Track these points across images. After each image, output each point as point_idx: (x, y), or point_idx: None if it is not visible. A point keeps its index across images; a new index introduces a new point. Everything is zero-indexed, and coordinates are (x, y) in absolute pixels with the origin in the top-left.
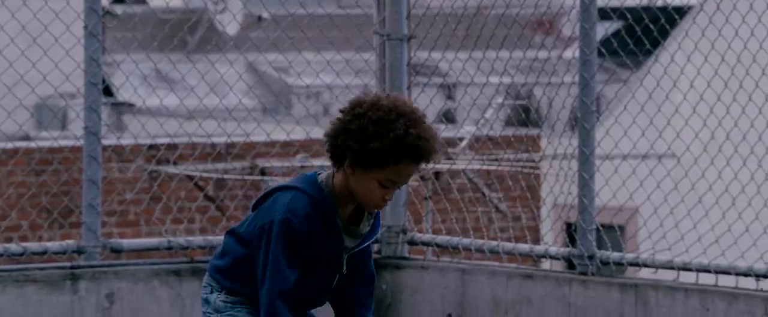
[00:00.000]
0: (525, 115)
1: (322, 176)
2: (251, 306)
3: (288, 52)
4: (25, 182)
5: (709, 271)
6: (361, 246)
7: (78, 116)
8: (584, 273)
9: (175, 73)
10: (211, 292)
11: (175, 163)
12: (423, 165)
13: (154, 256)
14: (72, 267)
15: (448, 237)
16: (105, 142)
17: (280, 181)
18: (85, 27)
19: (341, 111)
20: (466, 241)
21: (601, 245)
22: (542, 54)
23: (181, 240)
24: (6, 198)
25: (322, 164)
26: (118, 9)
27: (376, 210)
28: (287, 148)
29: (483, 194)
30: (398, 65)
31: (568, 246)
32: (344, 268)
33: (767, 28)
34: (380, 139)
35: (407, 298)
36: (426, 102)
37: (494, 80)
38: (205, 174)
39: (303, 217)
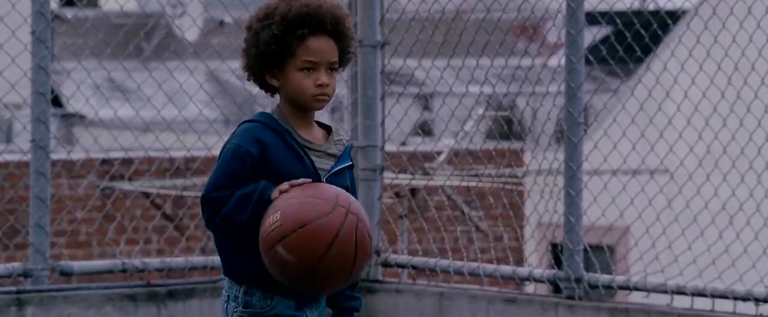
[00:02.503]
0: (507, 127)
1: (265, 111)
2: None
3: None
4: None
5: (705, 295)
6: (338, 168)
7: (25, 128)
8: (571, 297)
9: (130, 82)
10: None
11: (130, 179)
12: (338, 33)
13: (107, 280)
14: (18, 292)
15: (424, 259)
16: (54, 156)
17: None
18: (33, 32)
19: (243, 39)
20: (444, 263)
21: (589, 267)
22: (526, 62)
23: (136, 262)
24: None
25: None
26: (69, 13)
27: (323, 103)
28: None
29: (462, 212)
30: (371, 74)
31: (553, 268)
32: None
33: (766, 34)
34: (269, 27)
35: None
36: (401, 113)
37: (474, 89)
38: (162, 191)
39: (253, 139)
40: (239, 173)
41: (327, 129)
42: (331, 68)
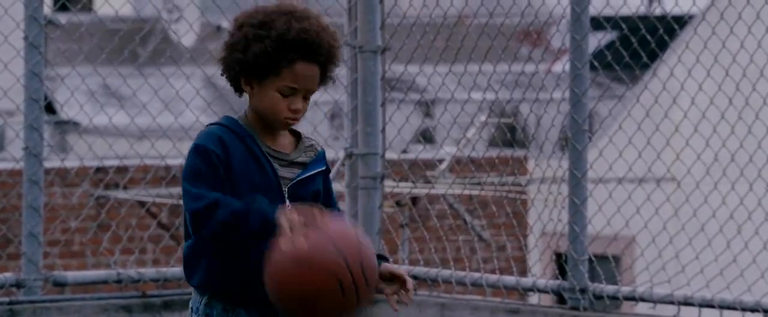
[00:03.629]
0: (510, 134)
1: (229, 115)
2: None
3: None
4: None
5: (712, 306)
6: (305, 175)
7: (17, 135)
8: (576, 308)
9: (126, 88)
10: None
11: (125, 187)
12: (328, 63)
13: (101, 290)
14: (11, 303)
15: (426, 269)
16: (47, 164)
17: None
18: (26, 38)
19: (229, 32)
20: (446, 273)
21: (594, 277)
22: (529, 68)
23: (131, 272)
24: None
25: None
26: (62, 18)
27: (289, 125)
28: None
29: (464, 221)
30: (371, 80)
31: (557, 279)
32: (287, 201)
33: None
34: (262, 40)
35: None
36: (402, 120)
37: (477, 96)
38: (158, 200)
39: (215, 139)
40: (207, 172)
41: (296, 136)
42: (307, 95)
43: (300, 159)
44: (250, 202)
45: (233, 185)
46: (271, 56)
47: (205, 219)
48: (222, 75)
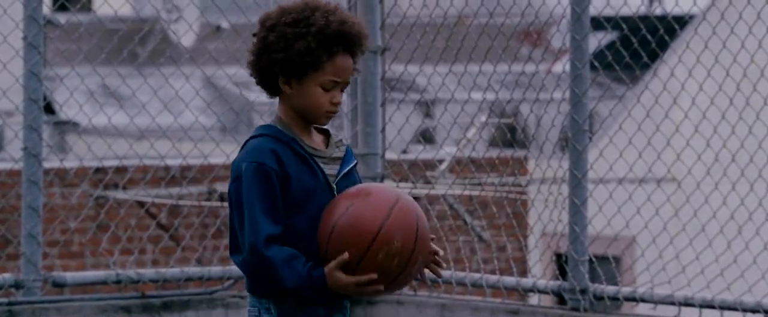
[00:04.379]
0: (510, 135)
1: (269, 123)
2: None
3: None
4: None
5: (713, 307)
6: (345, 170)
7: (16, 136)
8: (576, 309)
9: (125, 88)
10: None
11: (124, 188)
12: (358, 54)
13: (101, 291)
14: (9, 304)
15: (425, 269)
16: (46, 165)
17: None
18: (25, 37)
19: (254, 34)
20: (446, 273)
21: (594, 278)
22: (529, 68)
23: (131, 272)
24: None
25: None
26: (62, 18)
27: (329, 120)
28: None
29: (465, 221)
30: (371, 80)
31: (558, 279)
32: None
33: None
34: (303, 37)
35: None
36: (402, 120)
37: (477, 96)
38: (157, 200)
39: (270, 155)
40: (273, 195)
41: (325, 133)
42: (344, 88)
43: (336, 155)
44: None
45: (291, 194)
46: (315, 52)
47: (277, 269)
48: (257, 79)
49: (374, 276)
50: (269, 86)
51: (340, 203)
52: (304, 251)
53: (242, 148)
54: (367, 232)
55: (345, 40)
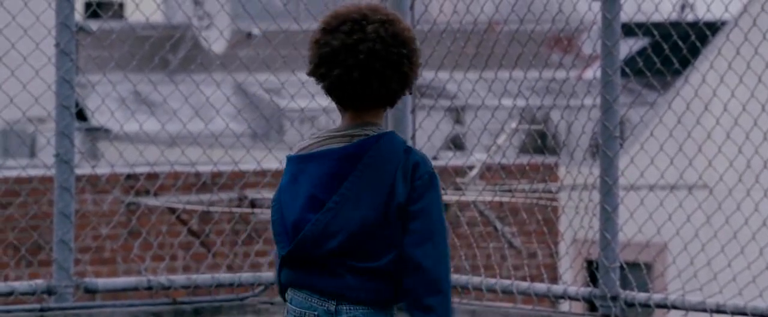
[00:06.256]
0: (541, 141)
1: (379, 126)
2: None
3: (280, 72)
4: None
5: (745, 314)
6: None
7: (49, 142)
8: (607, 316)
9: (156, 95)
10: None
11: (155, 194)
12: None
13: (132, 297)
14: (42, 310)
15: (456, 276)
16: (78, 171)
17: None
18: (57, 45)
19: (399, 56)
20: (476, 280)
21: (625, 284)
22: (560, 74)
23: (162, 279)
24: None
25: None
26: (93, 25)
27: None
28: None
29: (495, 228)
30: None
31: (589, 286)
32: None
33: None
34: (416, 52)
35: None
36: (432, 127)
37: (507, 102)
38: (188, 206)
39: None
40: None
41: None
42: None
43: None
44: None
45: None
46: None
47: (447, 274)
48: (397, 93)
49: None
50: (397, 96)
51: None
52: None
53: (407, 153)
54: None
55: None
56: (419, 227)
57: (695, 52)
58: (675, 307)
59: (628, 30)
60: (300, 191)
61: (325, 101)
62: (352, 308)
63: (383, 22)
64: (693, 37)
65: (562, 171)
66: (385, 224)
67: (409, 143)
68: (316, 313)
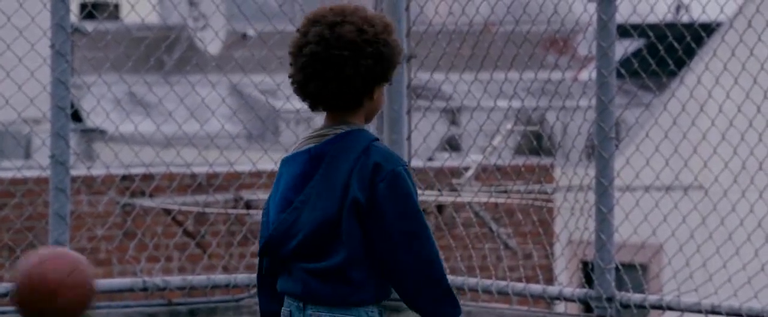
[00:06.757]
0: (537, 142)
1: (354, 126)
2: None
3: (276, 73)
4: None
5: (740, 315)
6: None
7: (44, 143)
8: None
9: (152, 96)
10: None
11: (150, 195)
12: None
13: (127, 298)
14: None
15: (452, 277)
16: (73, 172)
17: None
18: (52, 46)
19: (357, 51)
20: (472, 281)
21: (621, 286)
22: (556, 75)
23: (157, 280)
24: None
25: None
26: (89, 26)
27: None
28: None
29: (490, 229)
30: (397, 87)
31: (584, 287)
32: None
33: None
34: (399, 43)
35: None
36: (428, 128)
37: (503, 103)
38: (184, 208)
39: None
40: None
41: None
42: None
43: None
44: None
45: None
46: (400, 52)
47: (439, 264)
48: (361, 93)
49: None
50: (361, 98)
51: None
52: None
53: (366, 152)
54: None
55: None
56: (399, 229)
57: (690, 54)
58: (670, 308)
59: (624, 31)
60: (278, 192)
61: None
62: (316, 309)
63: (333, 24)
64: (688, 39)
65: (557, 172)
66: (338, 223)
67: (404, 143)
68: (291, 314)
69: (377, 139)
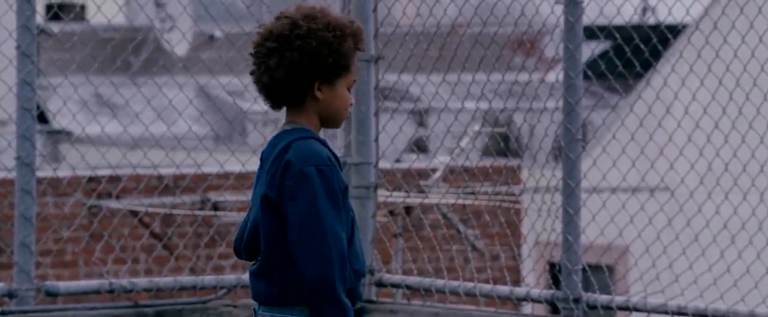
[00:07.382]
0: (504, 144)
1: (297, 125)
2: None
3: (243, 75)
4: None
5: (706, 316)
6: None
7: (9, 145)
8: None
9: (118, 97)
10: None
11: (117, 197)
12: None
13: (93, 300)
14: (2, 313)
15: (419, 278)
16: (39, 174)
17: (234, 215)
18: (18, 47)
19: (277, 46)
20: (439, 282)
21: (587, 287)
22: (523, 77)
23: (124, 282)
24: None
25: None
26: (55, 27)
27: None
28: (242, 180)
29: (458, 230)
30: (365, 89)
31: (551, 288)
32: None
33: None
34: (345, 39)
35: None
36: (395, 129)
37: (470, 105)
38: (151, 209)
39: (330, 158)
40: (339, 202)
41: None
42: None
43: None
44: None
45: (347, 208)
46: (353, 53)
47: (334, 267)
48: (283, 88)
49: None
50: (296, 94)
51: None
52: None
53: (285, 150)
54: None
55: (361, 42)
56: (296, 229)
57: (657, 56)
58: (637, 309)
59: (590, 33)
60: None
61: None
62: (262, 308)
63: (276, 19)
64: (654, 41)
65: (524, 174)
66: (261, 222)
67: (372, 144)
68: (255, 311)
69: (308, 137)
